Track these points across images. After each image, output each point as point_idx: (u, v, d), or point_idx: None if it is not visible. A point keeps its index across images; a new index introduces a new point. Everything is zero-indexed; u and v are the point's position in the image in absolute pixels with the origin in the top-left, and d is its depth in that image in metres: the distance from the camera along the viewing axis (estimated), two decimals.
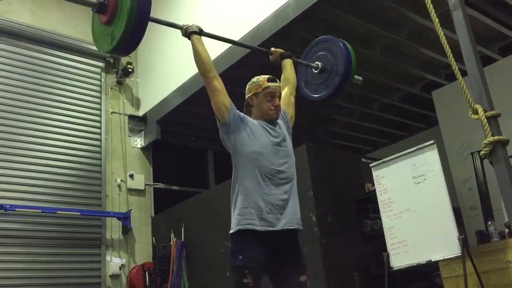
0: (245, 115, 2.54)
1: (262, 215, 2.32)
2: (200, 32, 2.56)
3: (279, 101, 2.60)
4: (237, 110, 2.51)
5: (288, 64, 2.98)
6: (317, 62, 3.24)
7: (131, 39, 2.26)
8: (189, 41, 2.54)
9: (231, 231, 2.37)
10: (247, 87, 2.66)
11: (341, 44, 3.19)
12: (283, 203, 2.39)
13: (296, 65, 3.16)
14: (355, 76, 3.23)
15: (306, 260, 2.45)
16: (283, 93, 2.77)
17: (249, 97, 2.62)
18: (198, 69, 2.51)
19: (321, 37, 3.37)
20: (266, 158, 2.43)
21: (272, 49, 3.05)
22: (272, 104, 2.57)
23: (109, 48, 2.33)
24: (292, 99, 2.86)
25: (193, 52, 2.50)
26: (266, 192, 2.37)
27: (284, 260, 2.36)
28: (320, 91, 3.23)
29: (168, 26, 2.65)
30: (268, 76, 2.62)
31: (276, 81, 2.63)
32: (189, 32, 2.52)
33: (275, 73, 2.78)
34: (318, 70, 3.23)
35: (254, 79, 2.64)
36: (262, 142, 2.47)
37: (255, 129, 2.49)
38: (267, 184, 2.39)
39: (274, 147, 2.49)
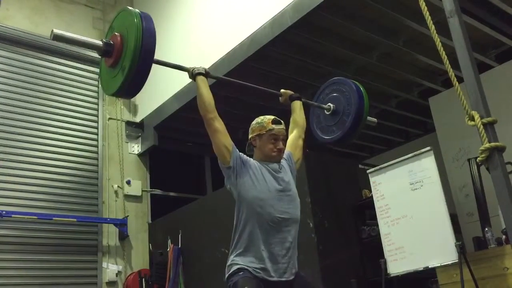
0: (248, 158, 2.47)
1: (264, 264, 2.29)
2: (206, 74, 2.53)
3: (283, 144, 2.55)
4: (240, 153, 2.45)
5: (297, 106, 2.89)
6: (329, 104, 3.14)
7: (135, 81, 2.21)
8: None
9: (228, 273, 2.32)
10: (250, 127, 2.60)
11: (353, 86, 3.09)
12: (285, 252, 2.35)
13: (307, 107, 3.07)
14: (368, 117, 3.15)
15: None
16: (291, 135, 2.74)
17: (252, 137, 2.57)
18: (200, 109, 2.43)
19: (332, 78, 3.28)
20: (269, 205, 2.37)
21: (282, 90, 2.94)
22: (275, 146, 2.51)
23: (113, 90, 2.29)
24: (300, 142, 2.76)
25: (197, 93, 2.46)
26: (268, 242, 2.32)
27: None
28: (332, 133, 3.14)
29: (175, 69, 2.61)
30: (273, 117, 2.56)
31: (281, 124, 2.56)
32: (195, 74, 2.50)
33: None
34: (330, 112, 3.13)
35: (259, 119, 2.58)
36: (265, 187, 2.40)
37: (257, 173, 2.43)
38: (270, 232, 2.34)
39: (278, 193, 2.42)
